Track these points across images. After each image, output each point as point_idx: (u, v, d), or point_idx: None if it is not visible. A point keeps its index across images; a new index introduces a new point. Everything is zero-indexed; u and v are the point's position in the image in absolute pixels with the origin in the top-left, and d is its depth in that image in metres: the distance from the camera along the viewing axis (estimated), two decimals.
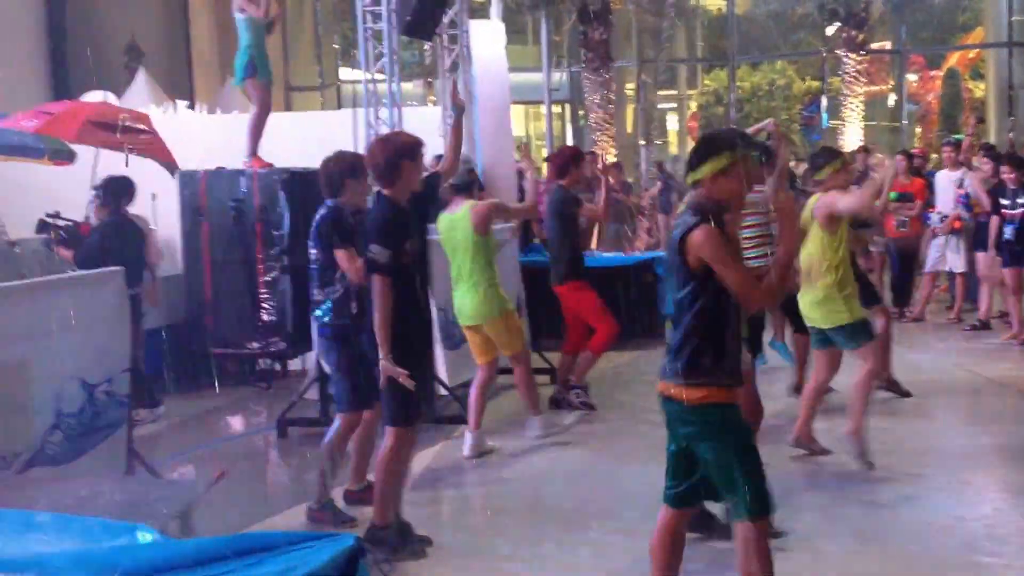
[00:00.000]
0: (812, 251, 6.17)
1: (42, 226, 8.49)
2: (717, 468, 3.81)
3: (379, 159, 4.96)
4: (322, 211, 5.60)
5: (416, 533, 5.08)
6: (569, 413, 7.55)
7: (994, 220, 10.00)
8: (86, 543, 2.95)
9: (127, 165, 9.16)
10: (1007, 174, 9.97)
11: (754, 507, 3.76)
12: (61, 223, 8.59)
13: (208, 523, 4.71)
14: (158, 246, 8.87)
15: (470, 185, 6.85)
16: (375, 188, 5.14)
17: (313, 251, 5.57)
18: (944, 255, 11.10)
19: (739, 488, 3.76)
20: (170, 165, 9.66)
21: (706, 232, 3.71)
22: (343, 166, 5.54)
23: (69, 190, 9.33)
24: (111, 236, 7.78)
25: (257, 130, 9.38)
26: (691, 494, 3.97)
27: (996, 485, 6.14)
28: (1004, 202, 9.93)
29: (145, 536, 2.99)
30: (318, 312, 5.61)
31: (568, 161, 7.87)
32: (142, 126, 9.75)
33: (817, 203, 6.16)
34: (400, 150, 4.95)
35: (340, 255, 5.38)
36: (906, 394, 7.85)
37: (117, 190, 8.00)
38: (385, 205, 4.94)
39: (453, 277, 6.79)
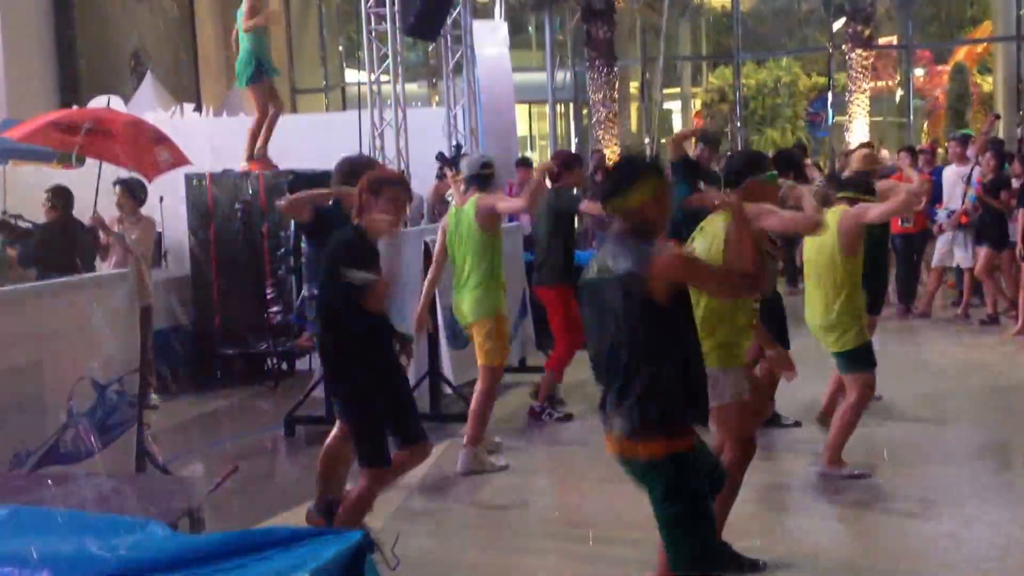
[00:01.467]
0: (824, 269, 5.87)
1: (1, 225, 8.65)
2: (664, 525, 3.57)
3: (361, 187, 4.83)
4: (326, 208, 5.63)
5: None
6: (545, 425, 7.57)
7: (1022, 213, 9.94)
8: (98, 539, 2.99)
9: (75, 165, 9.38)
10: None
11: (695, 567, 3.55)
12: (22, 225, 8.78)
13: (217, 520, 4.78)
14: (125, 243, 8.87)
15: (486, 180, 6.62)
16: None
17: (305, 247, 5.59)
18: (951, 251, 11.10)
19: (682, 548, 3.55)
20: (143, 172, 9.64)
21: (675, 255, 3.51)
22: (347, 169, 5.59)
23: (78, 193, 9.41)
24: (53, 237, 8.03)
25: (268, 131, 9.49)
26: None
27: (1003, 484, 6.15)
28: None
29: (156, 532, 3.04)
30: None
31: (560, 168, 7.72)
32: (109, 130, 9.68)
33: (840, 220, 5.77)
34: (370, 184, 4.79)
35: None
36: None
37: (66, 195, 8.40)
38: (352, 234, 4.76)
39: (455, 274, 6.59)
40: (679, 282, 3.49)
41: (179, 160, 9.77)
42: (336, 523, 4.77)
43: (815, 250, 5.92)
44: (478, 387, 6.55)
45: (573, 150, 22.39)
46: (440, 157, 10.57)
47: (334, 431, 5.51)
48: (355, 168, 5.49)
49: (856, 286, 5.86)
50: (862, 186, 6.33)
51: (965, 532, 5.19)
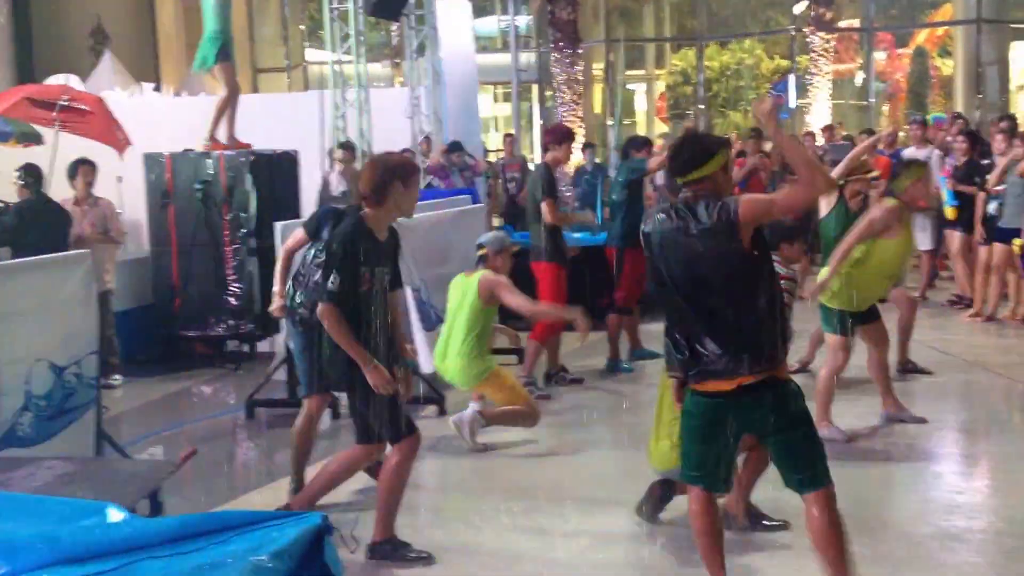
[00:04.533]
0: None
1: None
2: (810, 443, 3.94)
3: (368, 178, 4.69)
4: (323, 208, 5.78)
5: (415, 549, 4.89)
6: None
7: (980, 196, 9.99)
8: (56, 522, 2.98)
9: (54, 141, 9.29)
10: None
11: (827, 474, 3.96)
12: None
13: (177, 503, 4.76)
14: (119, 226, 8.82)
15: (486, 257, 6.80)
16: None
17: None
18: None
19: (821, 456, 3.95)
20: (115, 147, 9.67)
21: (749, 197, 3.96)
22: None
23: None
24: (27, 216, 7.95)
25: (223, 112, 9.37)
26: (727, 477, 4.14)
27: (960, 461, 6.25)
28: (989, 177, 9.90)
29: (115, 515, 3.02)
30: (290, 296, 5.74)
31: (549, 140, 7.94)
32: (84, 107, 9.69)
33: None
34: (391, 171, 4.67)
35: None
36: (925, 371, 7.98)
37: (37, 174, 8.26)
38: (354, 224, 4.66)
39: (443, 332, 6.73)
40: (763, 221, 3.89)
41: (128, 140, 9.79)
42: (381, 501, 4.78)
43: None
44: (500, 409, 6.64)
45: (536, 132, 22.43)
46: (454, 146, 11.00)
47: (303, 413, 5.51)
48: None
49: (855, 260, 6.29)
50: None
51: (926, 506, 5.28)
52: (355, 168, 9.84)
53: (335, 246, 4.63)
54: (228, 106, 9.32)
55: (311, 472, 5.52)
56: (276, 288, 5.99)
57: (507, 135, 16.67)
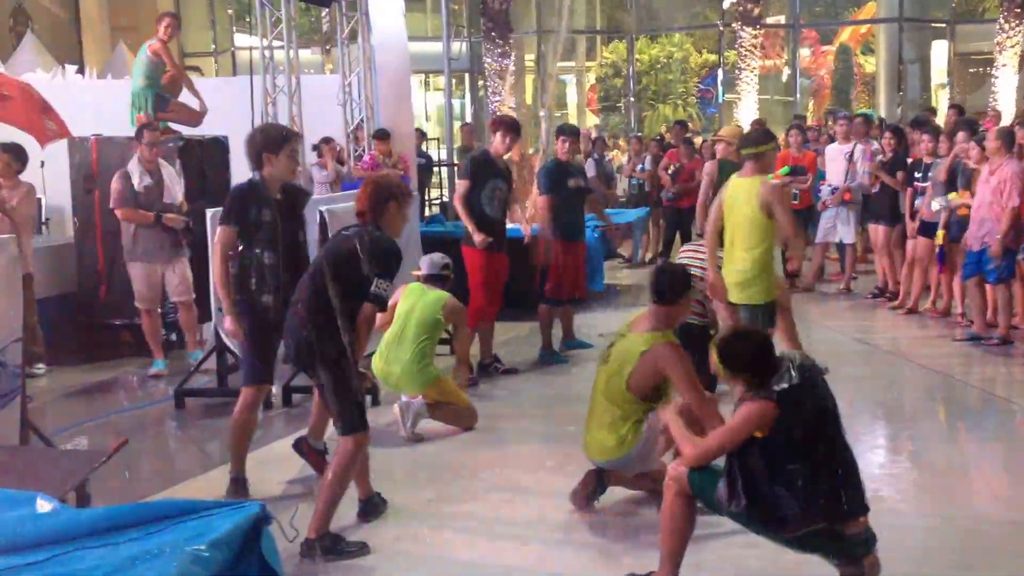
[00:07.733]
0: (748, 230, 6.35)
1: None
2: None
3: (370, 195, 4.88)
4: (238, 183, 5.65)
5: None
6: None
7: (909, 192, 10.17)
8: None
9: None
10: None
11: None
12: None
13: (106, 494, 4.67)
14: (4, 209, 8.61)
15: (445, 280, 6.97)
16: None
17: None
18: (835, 226, 11.39)
19: None
20: (37, 137, 9.49)
21: None
22: (264, 139, 5.46)
23: None
24: None
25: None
26: None
27: (874, 445, 6.41)
28: (917, 175, 10.09)
29: (44, 505, 2.96)
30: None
31: (491, 128, 8.12)
32: (5, 92, 9.48)
33: (762, 190, 6.24)
34: (387, 191, 4.87)
35: (219, 230, 5.38)
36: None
37: None
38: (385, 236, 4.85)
39: (387, 337, 6.68)
40: None
41: (63, 132, 9.55)
42: (326, 492, 4.72)
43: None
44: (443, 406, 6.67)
45: (468, 120, 22.37)
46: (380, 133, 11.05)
47: (243, 401, 5.40)
48: (282, 132, 5.75)
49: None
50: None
51: None
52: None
53: (392, 256, 4.75)
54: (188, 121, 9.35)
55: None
56: (225, 304, 5.38)
57: (465, 124, 16.73)
